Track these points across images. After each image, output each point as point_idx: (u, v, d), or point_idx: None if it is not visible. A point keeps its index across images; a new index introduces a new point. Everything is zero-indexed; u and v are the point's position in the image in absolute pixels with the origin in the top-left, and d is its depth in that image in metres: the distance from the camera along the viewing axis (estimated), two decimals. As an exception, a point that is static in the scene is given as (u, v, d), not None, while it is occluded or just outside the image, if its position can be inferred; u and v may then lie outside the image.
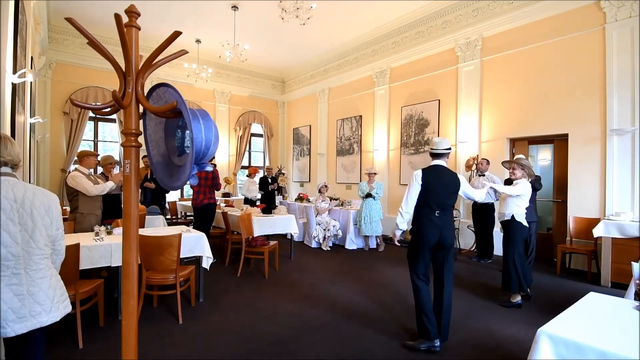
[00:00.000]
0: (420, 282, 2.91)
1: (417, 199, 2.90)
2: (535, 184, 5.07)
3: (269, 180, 8.37)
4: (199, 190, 5.57)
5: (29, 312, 1.60)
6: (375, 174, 6.80)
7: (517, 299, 3.79)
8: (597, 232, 4.50)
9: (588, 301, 1.93)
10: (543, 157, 7.00)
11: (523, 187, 3.81)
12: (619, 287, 4.29)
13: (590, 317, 1.72)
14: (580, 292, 3.94)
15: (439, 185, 2.88)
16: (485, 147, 6.41)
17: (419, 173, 2.93)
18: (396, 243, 3.10)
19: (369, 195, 6.63)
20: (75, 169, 4.24)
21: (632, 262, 2.38)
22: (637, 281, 2.12)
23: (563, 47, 5.40)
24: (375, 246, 6.87)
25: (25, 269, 1.62)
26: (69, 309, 1.79)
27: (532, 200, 5.09)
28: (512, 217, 3.83)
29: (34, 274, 1.64)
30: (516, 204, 3.84)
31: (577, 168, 5.27)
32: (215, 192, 5.78)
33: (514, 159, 4.13)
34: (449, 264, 2.93)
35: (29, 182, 5.22)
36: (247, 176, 8.32)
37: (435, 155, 3.02)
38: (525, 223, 3.87)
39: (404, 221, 2.94)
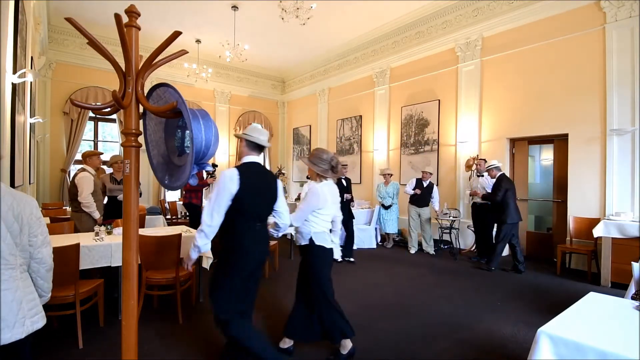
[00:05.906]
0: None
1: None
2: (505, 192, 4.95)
3: (344, 184, 5.77)
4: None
5: None
6: (390, 174, 6.95)
7: (288, 344, 2.83)
8: (597, 232, 4.50)
9: (588, 301, 1.93)
10: (545, 157, 6.99)
11: (308, 194, 2.68)
12: (619, 287, 4.29)
13: (590, 317, 1.72)
14: (580, 292, 3.93)
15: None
16: (485, 147, 6.41)
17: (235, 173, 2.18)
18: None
19: (383, 206, 6.94)
20: (83, 169, 4.26)
21: (632, 262, 2.39)
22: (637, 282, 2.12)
23: (563, 47, 5.40)
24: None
25: None
26: (38, 324, 1.59)
27: (513, 199, 5.09)
28: (311, 239, 2.67)
29: None
30: (313, 220, 2.68)
31: (577, 168, 5.27)
32: (202, 193, 5.99)
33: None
34: None
35: (29, 183, 5.21)
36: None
37: (255, 147, 2.36)
38: (328, 246, 2.72)
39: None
